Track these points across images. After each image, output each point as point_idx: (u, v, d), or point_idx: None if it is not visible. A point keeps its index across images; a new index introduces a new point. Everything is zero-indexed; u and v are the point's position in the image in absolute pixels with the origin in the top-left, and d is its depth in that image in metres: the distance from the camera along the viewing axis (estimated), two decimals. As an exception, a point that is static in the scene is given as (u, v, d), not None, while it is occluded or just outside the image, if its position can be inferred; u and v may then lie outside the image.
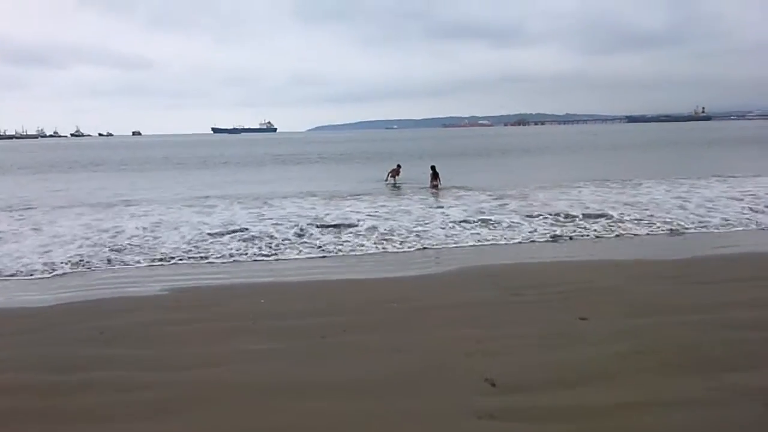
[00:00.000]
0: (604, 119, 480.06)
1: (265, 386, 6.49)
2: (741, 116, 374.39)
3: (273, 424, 5.69)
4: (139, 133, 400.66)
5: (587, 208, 19.64)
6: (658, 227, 16.60)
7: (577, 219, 17.69)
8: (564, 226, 16.86)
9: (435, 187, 26.37)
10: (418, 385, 6.41)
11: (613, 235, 16.00)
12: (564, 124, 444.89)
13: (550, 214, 18.30)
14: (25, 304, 10.63)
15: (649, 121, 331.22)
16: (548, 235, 15.80)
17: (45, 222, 19.07)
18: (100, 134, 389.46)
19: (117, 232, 16.94)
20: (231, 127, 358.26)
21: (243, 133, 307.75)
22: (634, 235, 16.00)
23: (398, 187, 27.91)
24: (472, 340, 7.70)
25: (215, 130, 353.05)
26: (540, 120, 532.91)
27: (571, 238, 15.60)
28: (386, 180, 28.73)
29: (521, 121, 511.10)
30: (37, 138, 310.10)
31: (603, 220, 17.42)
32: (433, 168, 27.32)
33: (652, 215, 18.02)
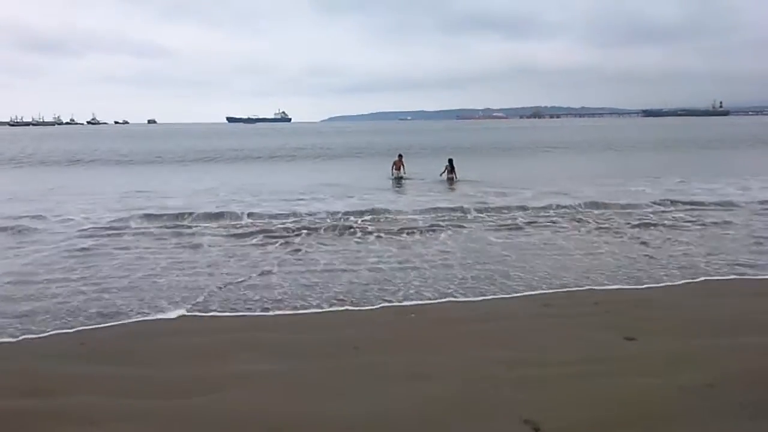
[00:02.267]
0: (620, 113, 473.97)
1: (266, 419, 5.48)
2: (759, 111, 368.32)
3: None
4: (154, 122, 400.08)
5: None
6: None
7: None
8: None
9: (451, 180, 26.45)
10: (446, 425, 5.36)
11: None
12: (580, 117, 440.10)
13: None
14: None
15: (666, 116, 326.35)
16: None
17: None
18: (116, 122, 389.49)
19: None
20: (246, 116, 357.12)
21: (257, 123, 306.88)
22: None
23: (404, 179, 26.97)
24: (503, 364, 6.64)
25: (230, 120, 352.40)
26: (555, 113, 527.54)
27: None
28: (391, 174, 27.60)
29: (536, 113, 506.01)
30: (53, 125, 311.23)
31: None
32: (450, 161, 27.26)
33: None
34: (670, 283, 10.42)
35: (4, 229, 15.54)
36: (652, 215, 17.09)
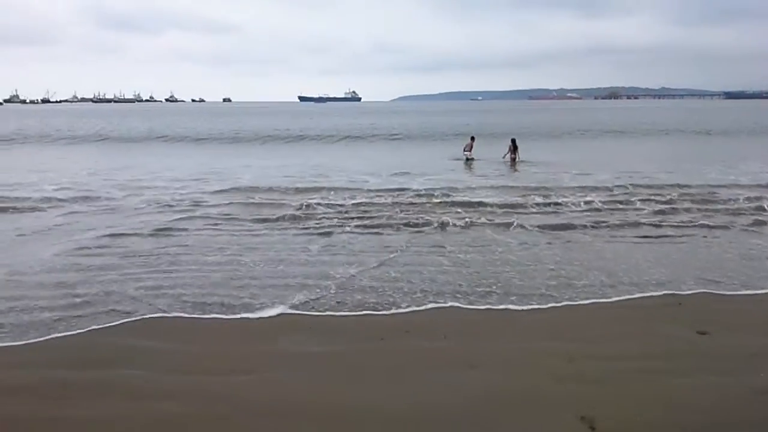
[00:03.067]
0: (701, 94, 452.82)
1: (296, 410, 5.34)
2: None
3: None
4: (229, 100, 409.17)
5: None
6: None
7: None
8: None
9: (513, 160, 25.97)
10: (496, 421, 5.08)
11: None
12: (659, 98, 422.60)
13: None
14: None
15: (750, 98, 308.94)
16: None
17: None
18: (192, 100, 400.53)
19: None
20: (317, 96, 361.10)
21: (328, 102, 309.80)
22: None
23: (472, 160, 26.30)
24: (562, 357, 6.27)
25: (302, 99, 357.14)
26: (633, 93, 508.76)
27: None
28: (465, 155, 27.13)
29: (613, 94, 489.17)
30: (133, 102, 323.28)
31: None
32: (513, 141, 26.90)
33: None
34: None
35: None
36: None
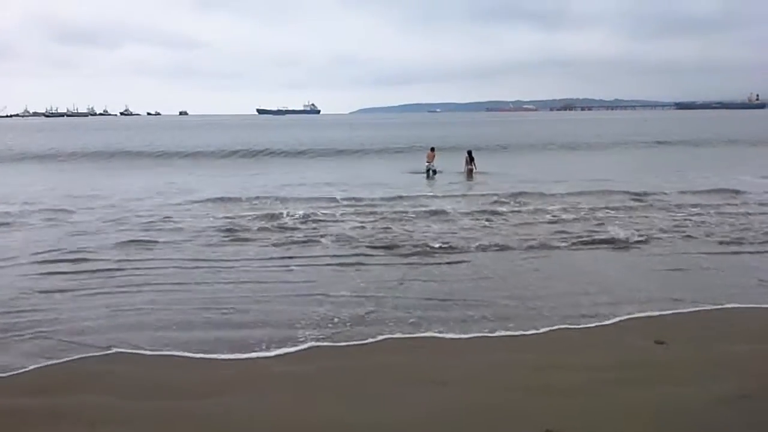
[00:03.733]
0: (653, 105, 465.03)
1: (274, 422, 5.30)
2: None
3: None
4: (186, 113, 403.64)
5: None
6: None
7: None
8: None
9: (470, 171, 26.52)
10: (466, 434, 5.13)
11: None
12: (612, 109, 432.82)
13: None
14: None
15: (700, 108, 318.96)
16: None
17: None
18: (148, 113, 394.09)
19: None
20: (275, 108, 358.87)
21: (287, 115, 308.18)
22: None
23: (434, 172, 26.54)
24: (531, 367, 6.38)
25: (260, 111, 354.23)
26: (587, 105, 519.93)
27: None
28: (426, 165, 27.34)
29: (568, 106, 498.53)
30: (87, 116, 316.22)
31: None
32: (469, 152, 27.67)
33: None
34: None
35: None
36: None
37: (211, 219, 15.50)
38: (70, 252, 12.06)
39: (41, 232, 14.18)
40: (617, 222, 14.67)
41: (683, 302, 8.73)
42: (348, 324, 7.98)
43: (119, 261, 11.41)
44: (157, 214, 16.30)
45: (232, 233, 13.84)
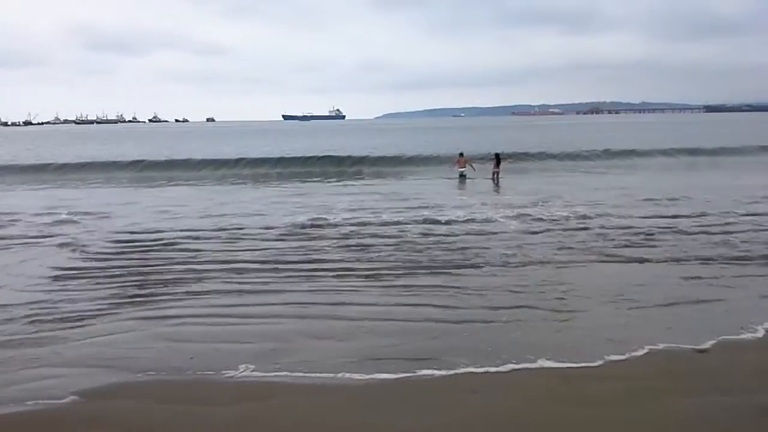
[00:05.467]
0: (682, 108, 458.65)
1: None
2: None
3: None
4: (213, 120, 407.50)
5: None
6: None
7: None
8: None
9: (496, 174, 26.80)
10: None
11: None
12: (640, 113, 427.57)
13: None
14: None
15: (729, 111, 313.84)
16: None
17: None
18: (176, 120, 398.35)
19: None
20: (301, 114, 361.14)
21: (312, 120, 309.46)
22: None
23: (465, 177, 26.85)
24: (561, 376, 6.19)
25: (286, 117, 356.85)
26: (614, 108, 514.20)
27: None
28: (458, 171, 27.36)
29: (594, 109, 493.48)
30: (116, 123, 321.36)
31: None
32: (497, 155, 28.18)
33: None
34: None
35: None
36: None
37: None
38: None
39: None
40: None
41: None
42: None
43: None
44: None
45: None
